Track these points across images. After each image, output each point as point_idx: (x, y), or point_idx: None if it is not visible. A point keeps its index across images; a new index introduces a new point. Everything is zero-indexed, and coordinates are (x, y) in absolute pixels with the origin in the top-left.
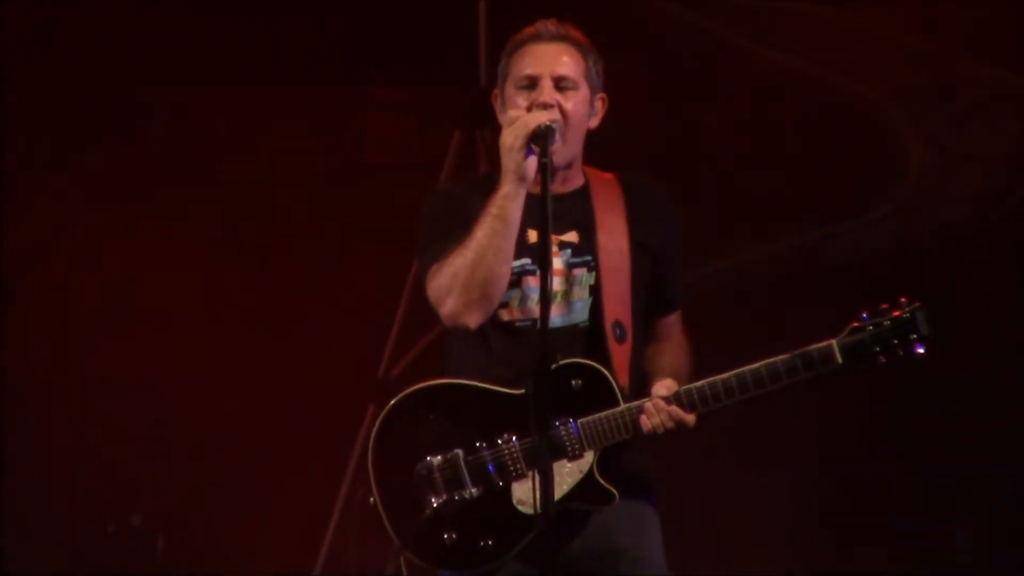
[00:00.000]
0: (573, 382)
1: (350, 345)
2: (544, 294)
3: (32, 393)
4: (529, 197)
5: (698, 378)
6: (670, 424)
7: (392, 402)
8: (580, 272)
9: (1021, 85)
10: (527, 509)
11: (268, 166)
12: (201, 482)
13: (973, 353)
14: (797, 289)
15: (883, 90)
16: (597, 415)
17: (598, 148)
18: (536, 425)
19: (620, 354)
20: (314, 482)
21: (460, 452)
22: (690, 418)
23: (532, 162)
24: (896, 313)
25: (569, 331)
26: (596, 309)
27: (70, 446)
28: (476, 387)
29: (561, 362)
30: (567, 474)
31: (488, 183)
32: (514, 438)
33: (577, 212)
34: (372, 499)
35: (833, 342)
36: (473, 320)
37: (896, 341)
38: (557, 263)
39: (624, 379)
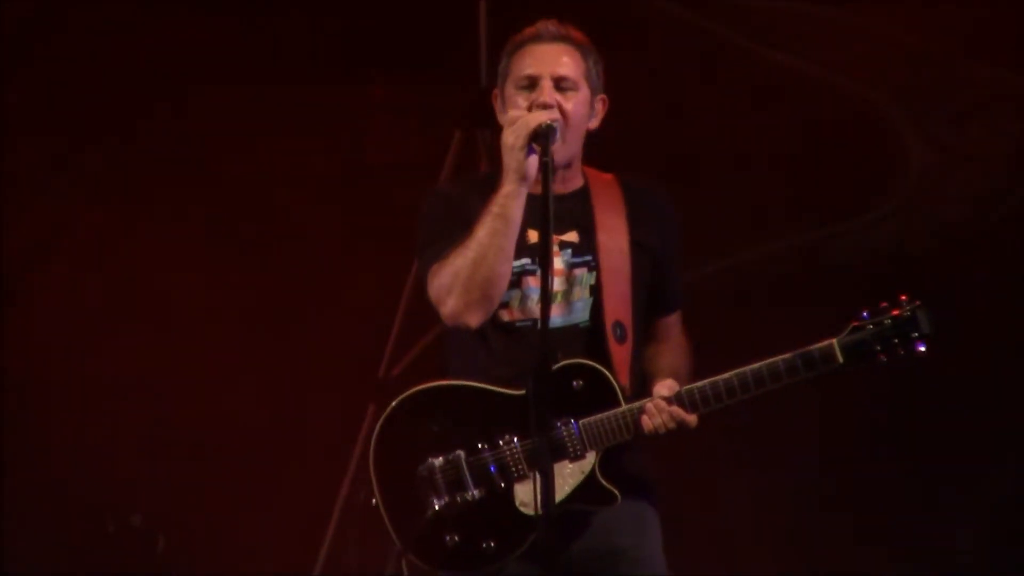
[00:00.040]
0: (574, 382)
1: (350, 345)
2: (545, 293)
3: (32, 393)
4: (529, 197)
5: (698, 378)
6: (672, 425)
7: (393, 403)
8: (581, 272)
9: (1021, 85)
10: (529, 510)
11: (268, 166)
12: (201, 482)
13: (973, 353)
14: (797, 289)
15: (883, 90)
16: (598, 416)
17: (598, 148)
18: (536, 426)
19: (620, 354)
20: (314, 482)
21: (462, 453)
22: (692, 418)
23: (533, 161)
24: (897, 312)
25: (569, 331)
26: (597, 309)
27: (70, 446)
28: (477, 388)
29: (562, 362)
30: (569, 475)
31: (488, 183)
32: (515, 439)
33: (577, 212)
34: (374, 500)
35: (834, 341)
36: (474, 319)
37: (897, 340)
38: (557, 263)
39: (625, 379)
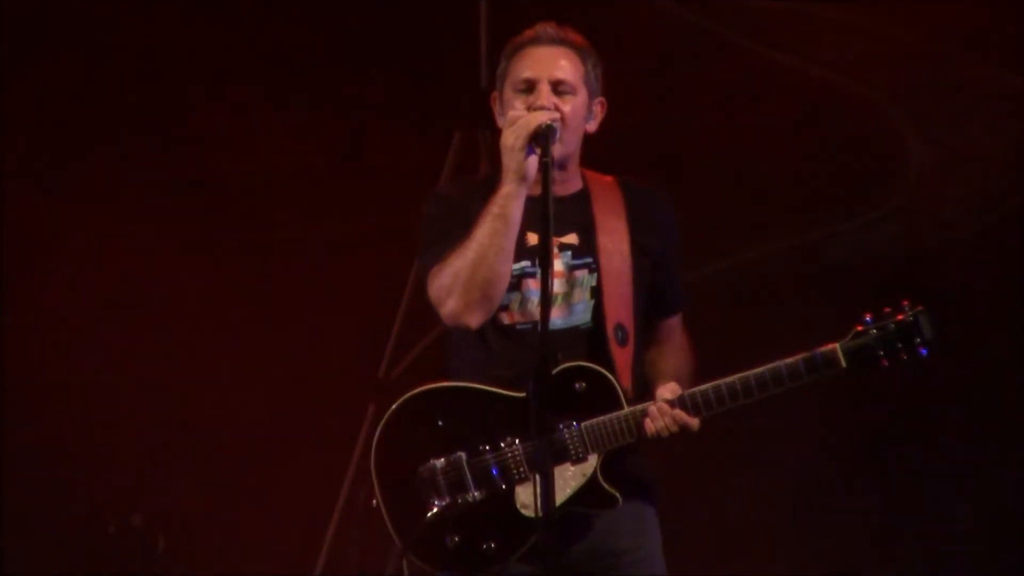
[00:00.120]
0: (576, 385)
1: (350, 345)
2: (545, 294)
3: (32, 393)
4: (528, 200)
5: (700, 379)
6: (674, 428)
7: (395, 404)
8: (581, 274)
9: (1021, 85)
10: (530, 512)
11: (268, 166)
12: (201, 482)
13: (973, 353)
14: (797, 289)
15: (883, 90)
16: (601, 418)
17: (598, 148)
18: (537, 428)
19: (622, 357)
20: (314, 482)
21: (463, 455)
22: (694, 422)
23: (533, 161)
24: (900, 317)
25: (570, 333)
26: (598, 311)
27: (70, 446)
28: (479, 390)
29: (564, 365)
30: (571, 477)
31: (488, 184)
32: (517, 441)
33: (577, 215)
34: (374, 501)
35: (837, 346)
36: (474, 320)
37: (900, 345)
38: (557, 265)
39: (627, 382)
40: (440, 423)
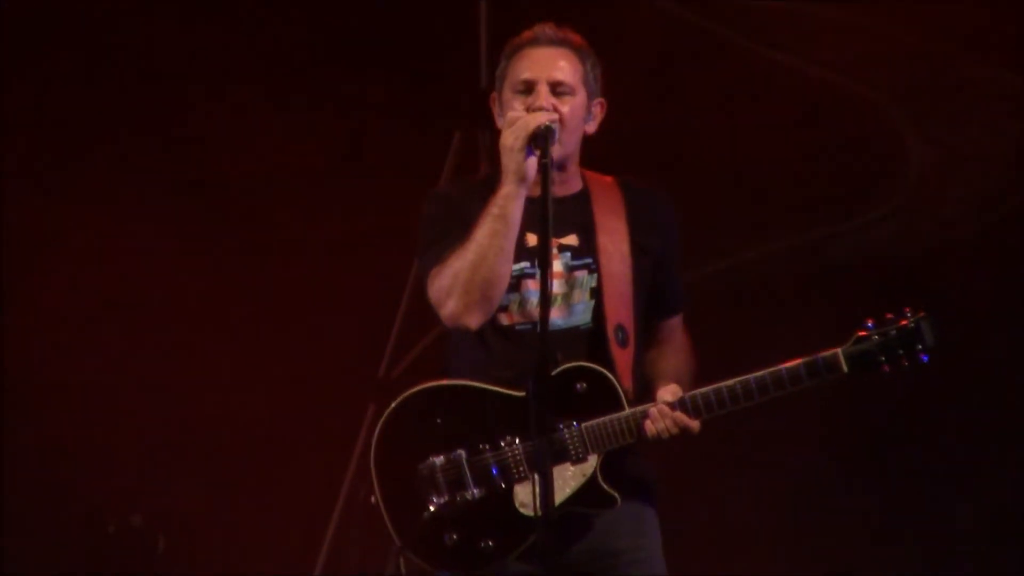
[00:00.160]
0: (578, 385)
1: (350, 345)
2: (544, 295)
3: (32, 393)
4: (528, 201)
5: (701, 379)
6: (675, 430)
7: (396, 401)
8: (581, 275)
9: (1021, 85)
10: (529, 511)
11: (268, 166)
12: (201, 482)
13: (973, 353)
14: (797, 289)
15: (883, 90)
16: (601, 419)
17: (598, 149)
18: (537, 427)
19: (623, 358)
20: (314, 482)
21: (463, 453)
22: (695, 424)
23: (532, 162)
24: (902, 323)
25: (570, 333)
26: (598, 312)
27: (70, 446)
28: (480, 388)
29: (565, 365)
30: (570, 477)
31: (488, 184)
32: (517, 440)
33: (577, 215)
34: (373, 498)
35: (839, 351)
36: (474, 321)
37: (902, 351)
38: (557, 265)
39: (628, 383)
40: (440, 421)
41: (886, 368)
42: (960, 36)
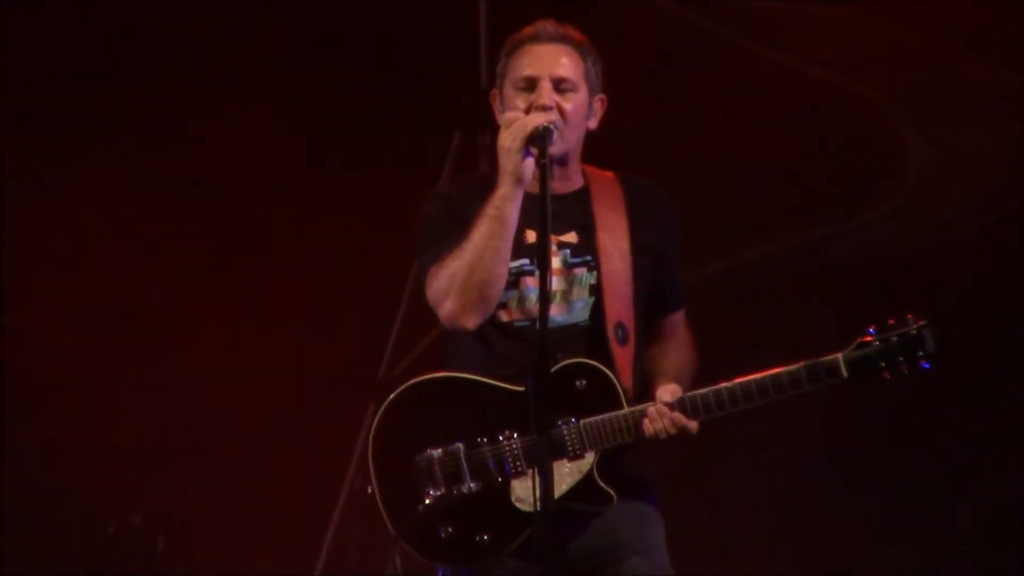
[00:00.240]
0: (577, 382)
1: (350, 345)
2: (543, 293)
3: (32, 393)
4: (527, 198)
5: (700, 379)
6: (673, 430)
7: (395, 393)
8: (580, 272)
9: (1021, 85)
10: (525, 507)
11: (268, 166)
12: (201, 482)
13: (974, 354)
14: (797, 289)
15: (883, 90)
16: (600, 416)
17: (598, 149)
18: (536, 423)
19: (623, 356)
20: (314, 482)
21: (461, 446)
22: (693, 425)
23: (530, 163)
24: (904, 329)
25: (569, 330)
26: (598, 309)
27: (70, 446)
28: (479, 382)
29: (564, 362)
30: (567, 474)
31: (488, 184)
32: (515, 435)
33: (577, 213)
34: (370, 488)
35: (839, 356)
36: (471, 321)
37: (902, 358)
38: (555, 263)
39: (627, 381)
40: (439, 414)
41: (886, 374)
42: (960, 36)
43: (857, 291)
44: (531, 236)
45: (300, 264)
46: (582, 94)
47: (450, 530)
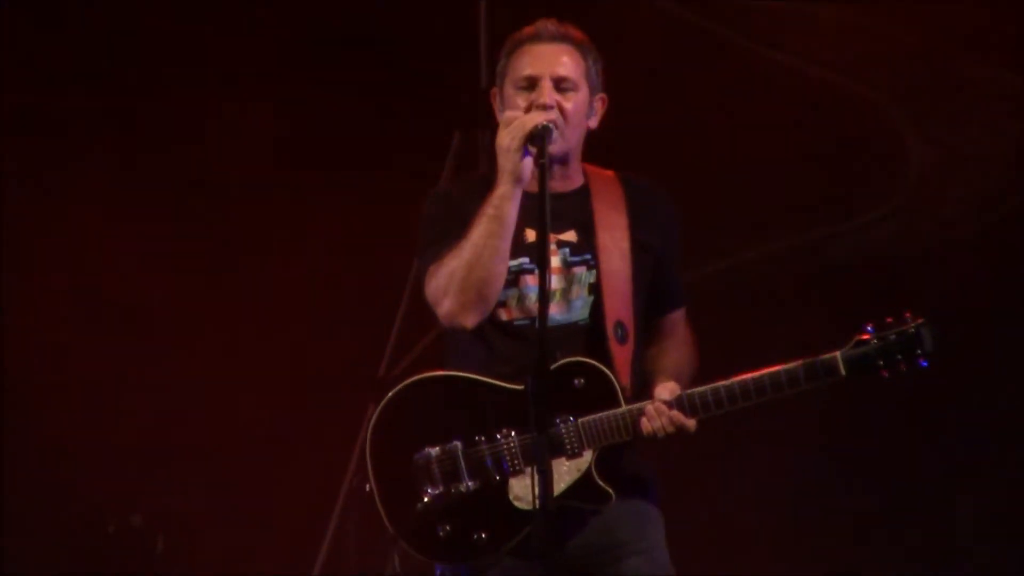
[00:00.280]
0: (575, 381)
1: (350, 345)
2: (543, 293)
3: (32, 393)
4: (527, 197)
5: (700, 379)
6: (671, 428)
7: (393, 391)
8: (579, 271)
9: (1021, 85)
10: (523, 505)
11: (268, 166)
12: (201, 482)
13: (973, 354)
14: (797, 289)
15: (883, 90)
16: (598, 415)
17: (598, 148)
18: (535, 422)
19: (622, 355)
20: (314, 482)
21: (459, 444)
22: (691, 423)
23: (528, 163)
24: (902, 327)
25: (569, 329)
26: (597, 308)
27: (70, 446)
28: (477, 380)
29: (563, 360)
30: (565, 472)
31: (488, 184)
32: (513, 433)
33: (576, 211)
34: (368, 486)
35: (837, 354)
36: (470, 320)
37: (900, 356)
38: (555, 261)
39: (625, 380)
40: (437, 412)
41: (884, 373)
42: (960, 36)
43: (857, 291)
44: (531, 235)
45: (300, 264)
46: (583, 93)
47: (448, 528)
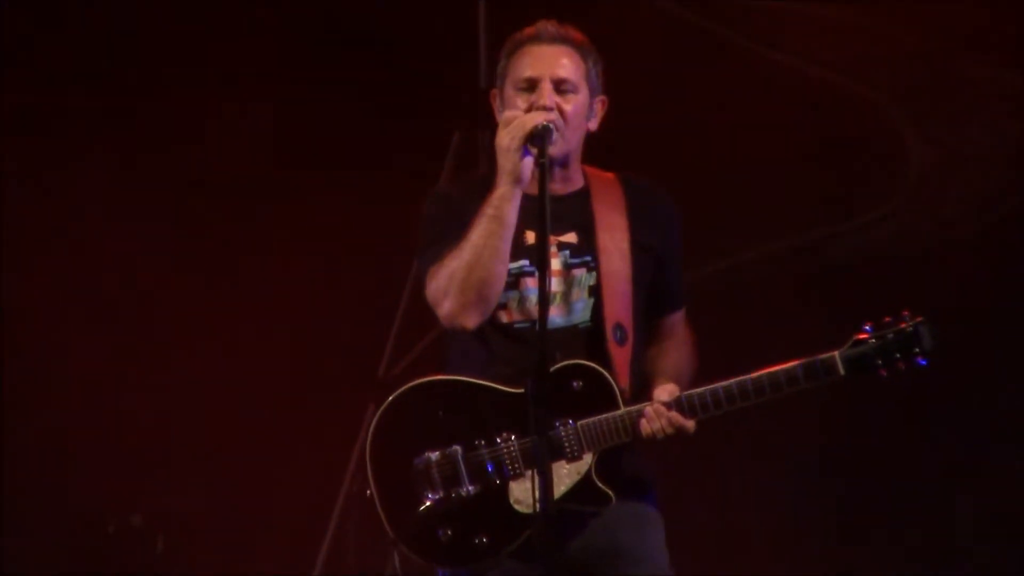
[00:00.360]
0: (574, 383)
1: (350, 345)
2: (543, 294)
3: (32, 393)
4: (527, 198)
5: (700, 379)
6: (670, 430)
7: (393, 396)
8: (579, 273)
9: (1021, 85)
10: (524, 508)
11: (268, 165)
12: (201, 482)
13: (973, 354)
14: (797, 289)
15: (883, 90)
16: (597, 417)
17: (598, 148)
18: (535, 426)
19: (621, 356)
20: (314, 482)
21: (459, 448)
22: (690, 424)
23: (528, 163)
24: (900, 326)
25: (569, 331)
26: (597, 310)
27: (70, 446)
28: (477, 384)
29: (562, 363)
30: (565, 475)
31: (488, 184)
32: (513, 437)
33: (576, 213)
34: (368, 491)
35: (836, 354)
36: (471, 321)
37: (899, 355)
38: (555, 264)
39: (624, 382)
40: (437, 416)
41: (883, 372)
42: (960, 36)
43: (857, 291)
44: (531, 237)
45: (300, 264)
46: (583, 95)
47: (449, 533)
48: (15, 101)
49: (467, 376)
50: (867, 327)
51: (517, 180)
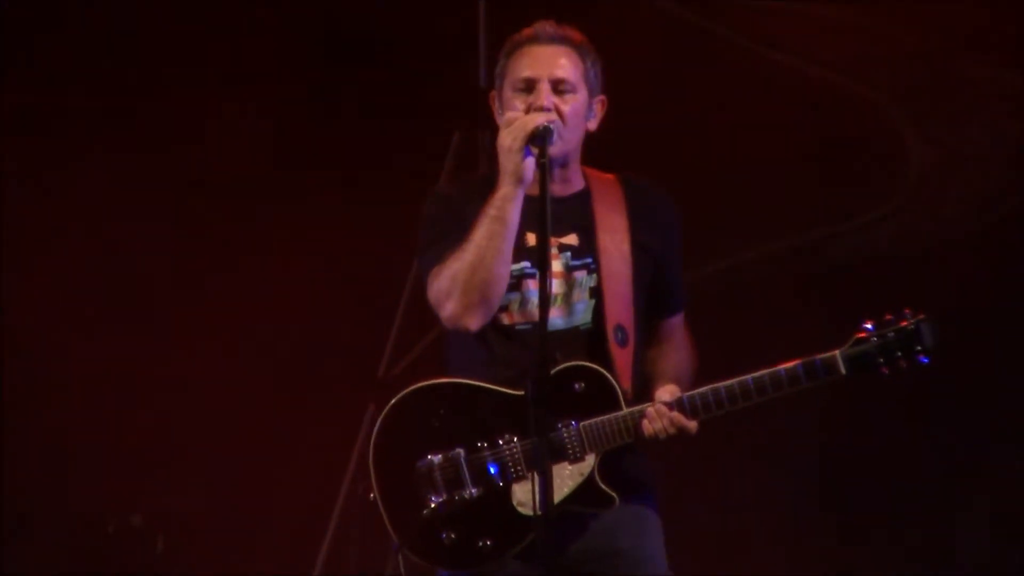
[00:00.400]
0: (576, 385)
1: (350, 345)
2: (543, 295)
3: (32, 393)
4: (528, 200)
5: (700, 379)
6: (672, 430)
7: (395, 399)
8: (580, 274)
9: (1021, 85)
10: (527, 510)
11: (268, 165)
12: (201, 482)
13: (973, 354)
14: (797, 289)
15: (883, 90)
16: (599, 418)
17: (599, 148)
18: (536, 427)
19: (622, 357)
20: (314, 482)
21: (461, 451)
22: (692, 424)
23: (530, 163)
24: (901, 324)
25: (570, 333)
26: (598, 312)
27: (70, 446)
28: (479, 387)
29: (563, 364)
30: (568, 477)
31: (488, 184)
32: (515, 439)
33: (577, 214)
34: (372, 495)
35: (837, 353)
36: (474, 323)
37: (900, 353)
38: (556, 265)
39: (626, 383)
40: (439, 419)
41: (884, 370)
42: (960, 36)
43: (857, 291)
44: (532, 239)
45: (300, 264)
46: (581, 95)
47: (452, 535)
48: (15, 101)
49: (468, 378)
50: (868, 325)
51: (519, 180)
